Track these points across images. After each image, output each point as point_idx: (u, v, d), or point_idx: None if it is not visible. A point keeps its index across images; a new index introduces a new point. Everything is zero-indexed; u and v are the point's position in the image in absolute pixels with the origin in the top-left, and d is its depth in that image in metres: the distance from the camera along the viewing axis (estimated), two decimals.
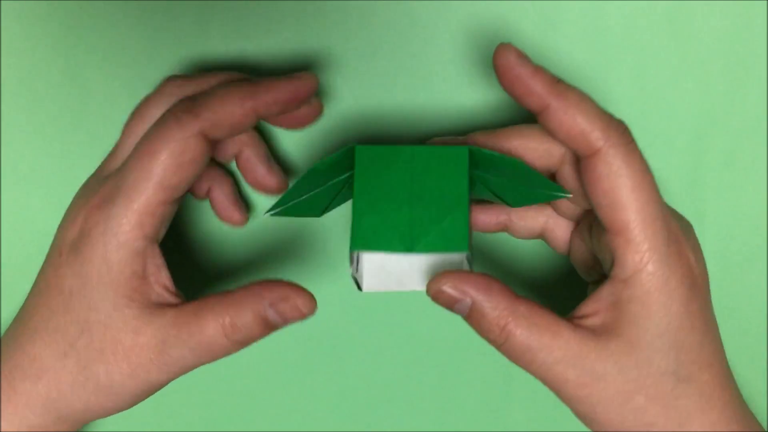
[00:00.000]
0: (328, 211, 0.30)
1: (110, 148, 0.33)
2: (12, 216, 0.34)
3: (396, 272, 0.27)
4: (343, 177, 0.28)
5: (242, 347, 0.26)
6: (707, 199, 0.34)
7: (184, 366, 0.26)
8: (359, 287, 0.27)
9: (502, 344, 0.25)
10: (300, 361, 0.36)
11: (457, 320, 0.36)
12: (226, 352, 0.26)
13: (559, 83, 0.25)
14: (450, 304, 0.25)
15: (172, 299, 0.26)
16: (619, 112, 0.33)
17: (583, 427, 0.37)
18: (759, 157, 0.33)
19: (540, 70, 0.25)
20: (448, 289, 0.25)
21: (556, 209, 0.30)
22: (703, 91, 0.32)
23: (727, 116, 0.33)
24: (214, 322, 0.25)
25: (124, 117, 0.32)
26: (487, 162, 0.27)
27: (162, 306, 0.26)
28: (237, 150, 0.30)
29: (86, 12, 0.31)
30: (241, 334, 0.25)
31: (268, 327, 0.25)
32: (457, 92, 0.32)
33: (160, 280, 0.27)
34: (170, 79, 0.29)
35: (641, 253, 0.25)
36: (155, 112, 0.28)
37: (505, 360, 0.36)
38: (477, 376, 0.36)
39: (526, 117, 0.33)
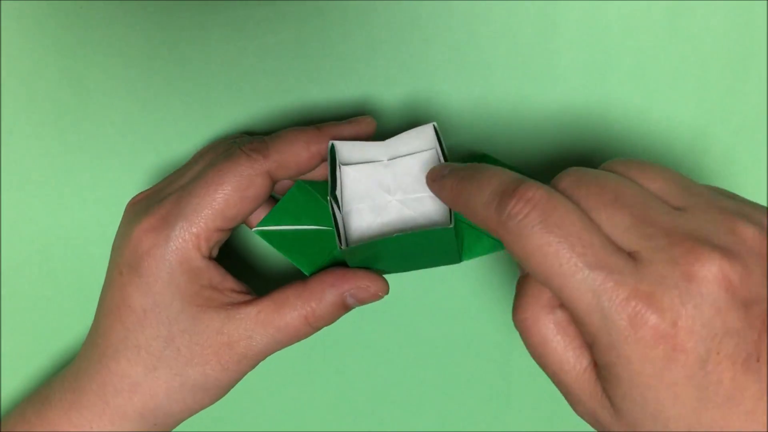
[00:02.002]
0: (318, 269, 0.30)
1: (110, 148, 0.33)
2: (12, 216, 0.34)
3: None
4: (331, 229, 0.29)
5: (321, 329, 0.29)
6: None
7: (268, 353, 0.29)
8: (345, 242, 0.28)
9: None
10: (300, 361, 0.36)
11: (457, 320, 0.36)
12: (307, 335, 0.29)
13: None
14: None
15: (244, 297, 0.29)
16: (620, 112, 0.33)
17: (582, 428, 0.37)
18: (759, 157, 0.33)
19: None
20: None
21: None
22: (703, 91, 0.32)
23: (727, 116, 0.33)
24: (297, 313, 0.28)
25: (124, 117, 0.33)
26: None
27: (238, 305, 0.28)
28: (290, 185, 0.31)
29: (86, 12, 0.31)
30: (323, 320, 0.28)
31: (346, 310, 0.29)
32: (457, 92, 0.32)
33: (227, 285, 0.29)
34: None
35: None
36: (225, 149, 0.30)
37: (505, 360, 0.36)
38: (477, 376, 0.36)
39: (524, 116, 0.33)
